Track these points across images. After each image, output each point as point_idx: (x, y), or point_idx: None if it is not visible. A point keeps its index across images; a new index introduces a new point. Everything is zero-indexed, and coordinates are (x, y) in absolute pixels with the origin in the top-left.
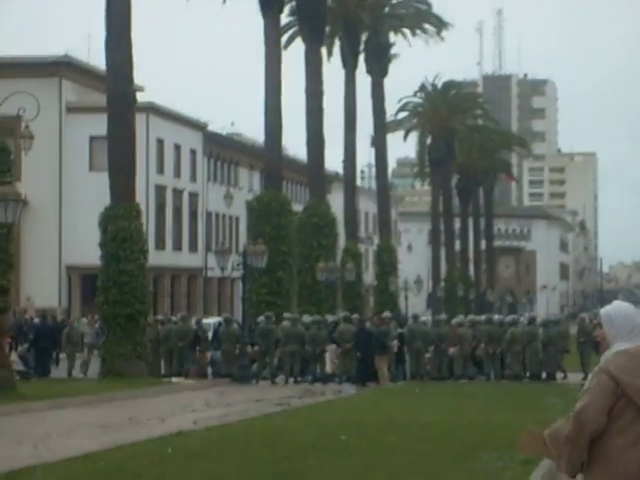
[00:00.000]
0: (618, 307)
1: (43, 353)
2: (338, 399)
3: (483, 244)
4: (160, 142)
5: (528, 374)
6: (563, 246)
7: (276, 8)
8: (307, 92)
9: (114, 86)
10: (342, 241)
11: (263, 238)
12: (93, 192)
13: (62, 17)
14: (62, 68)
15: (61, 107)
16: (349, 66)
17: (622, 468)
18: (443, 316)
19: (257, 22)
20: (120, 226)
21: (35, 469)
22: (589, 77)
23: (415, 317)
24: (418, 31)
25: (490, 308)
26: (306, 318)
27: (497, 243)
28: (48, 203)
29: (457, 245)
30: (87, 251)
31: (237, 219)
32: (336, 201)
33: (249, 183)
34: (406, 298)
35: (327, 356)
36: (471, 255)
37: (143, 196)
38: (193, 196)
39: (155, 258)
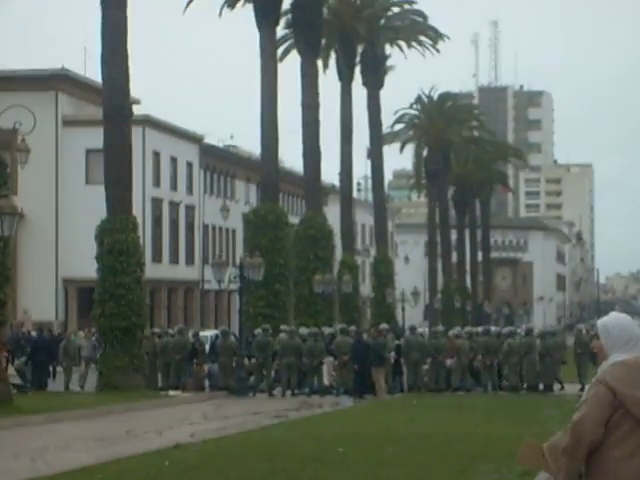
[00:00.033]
0: (615, 318)
1: (40, 366)
2: (335, 411)
3: (480, 255)
4: (156, 155)
5: (525, 385)
6: (560, 257)
7: (272, 21)
8: (303, 104)
9: (110, 99)
10: (339, 253)
11: (260, 250)
12: (89, 205)
13: (58, 31)
14: (58, 81)
15: (57, 120)
16: (345, 78)
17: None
18: (440, 328)
19: (253, 35)
20: (117, 239)
21: None
22: (585, 88)
23: (412, 329)
24: (414, 43)
25: (487, 319)
26: (303, 330)
27: (494, 254)
28: (44, 216)
29: (454, 257)
30: (84, 264)
31: (234, 232)
32: (332, 213)
33: (245, 196)
34: (403, 310)
35: (324, 368)
36: (468, 267)
37: (140, 209)
38: (190, 209)
39: (152, 271)
